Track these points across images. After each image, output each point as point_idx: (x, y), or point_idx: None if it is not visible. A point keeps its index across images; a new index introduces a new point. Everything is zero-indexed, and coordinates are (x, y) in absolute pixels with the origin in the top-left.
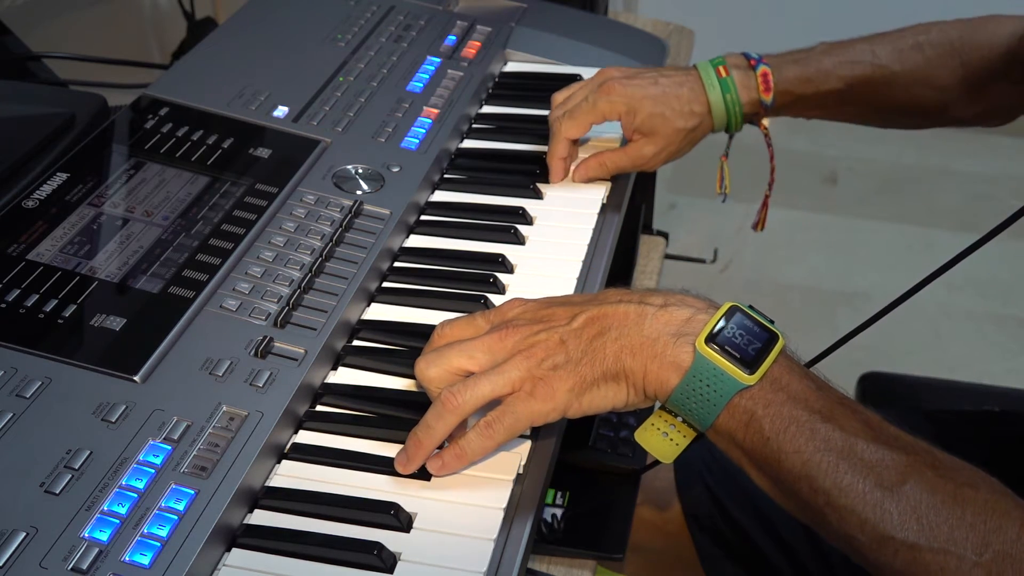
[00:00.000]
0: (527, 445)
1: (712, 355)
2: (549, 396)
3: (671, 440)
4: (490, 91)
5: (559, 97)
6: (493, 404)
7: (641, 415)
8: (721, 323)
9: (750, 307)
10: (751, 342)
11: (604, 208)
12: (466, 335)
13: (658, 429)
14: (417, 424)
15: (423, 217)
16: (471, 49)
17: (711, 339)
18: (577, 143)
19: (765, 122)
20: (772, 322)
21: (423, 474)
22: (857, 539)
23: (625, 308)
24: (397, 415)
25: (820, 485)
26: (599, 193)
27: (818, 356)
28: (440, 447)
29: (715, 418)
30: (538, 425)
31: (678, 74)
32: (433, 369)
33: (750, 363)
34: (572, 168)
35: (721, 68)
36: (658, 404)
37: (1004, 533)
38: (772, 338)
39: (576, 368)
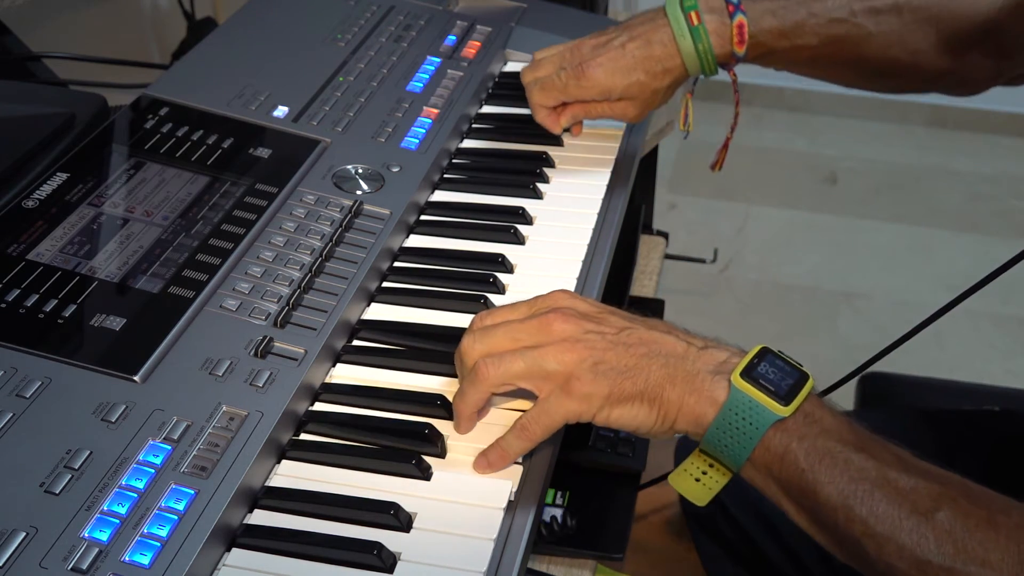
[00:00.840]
0: None
1: (747, 388)
2: (584, 397)
3: (703, 484)
4: (490, 91)
5: (537, 56)
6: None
7: None
8: (754, 361)
9: (779, 351)
10: (783, 378)
11: (604, 208)
12: (510, 318)
13: (690, 475)
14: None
15: (423, 217)
16: (471, 49)
17: (745, 374)
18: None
19: (735, 68)
20: (801, 365)
21: (423, 474)
22: (896, 567)
23: (674, 341)
24: (397, 415)
25: (856, 514)
26: (599, 193)
27: (867, 362)
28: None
29: (750, 452)
30: (571, 423)
31: (647, 30)
32: (479, 345)
33: (784, 396)
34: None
35: (693, 15)
36: (691, 445)
37: None
38: (803, 376)
39: (617, 378)
